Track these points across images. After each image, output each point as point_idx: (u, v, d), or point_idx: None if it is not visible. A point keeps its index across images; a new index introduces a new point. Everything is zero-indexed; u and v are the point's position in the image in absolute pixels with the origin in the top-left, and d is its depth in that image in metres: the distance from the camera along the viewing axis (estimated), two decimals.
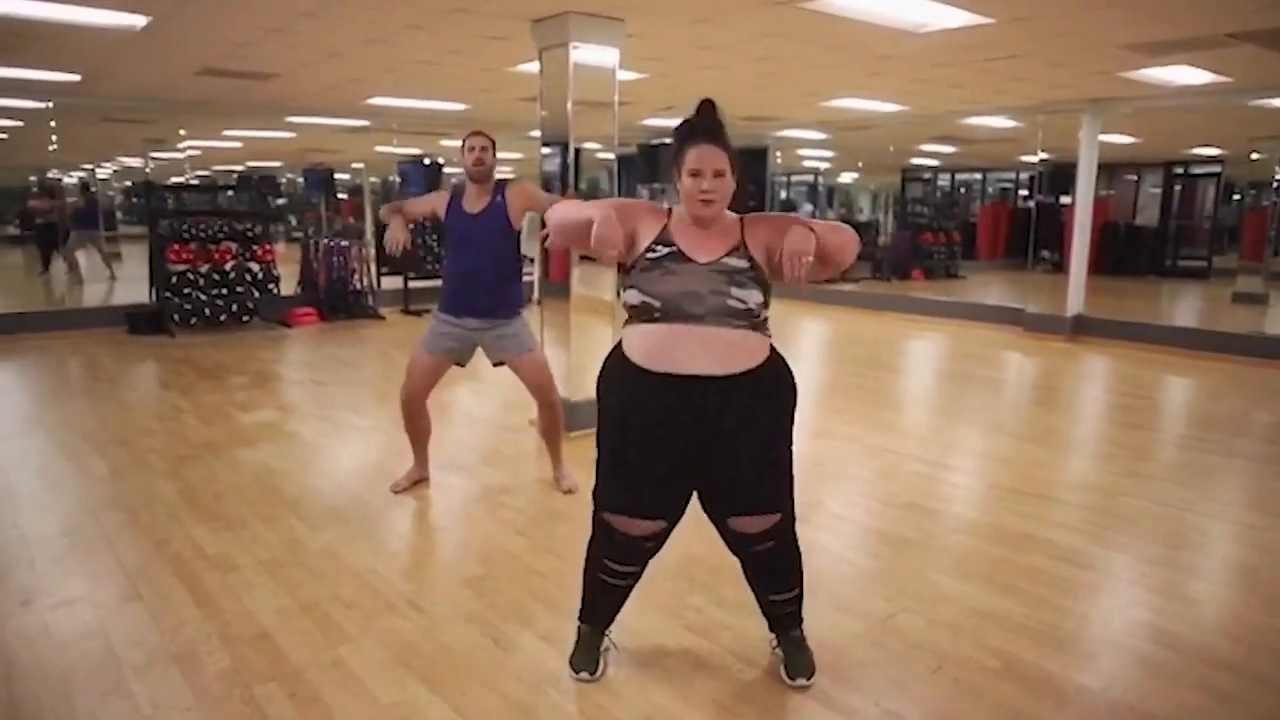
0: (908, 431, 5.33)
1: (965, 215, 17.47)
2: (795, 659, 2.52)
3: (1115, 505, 4.09)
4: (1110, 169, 15.95)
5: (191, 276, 8.48)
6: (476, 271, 3.81)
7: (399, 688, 2.52)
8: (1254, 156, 12.46)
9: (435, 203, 3.96)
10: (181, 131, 10.19)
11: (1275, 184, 10.86)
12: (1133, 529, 3.79)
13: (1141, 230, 15.68)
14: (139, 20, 5.02)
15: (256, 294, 8.85)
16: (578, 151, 5.05)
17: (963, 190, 18.25)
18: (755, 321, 2.27)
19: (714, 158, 2.20)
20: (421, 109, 9.46)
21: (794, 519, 2.45)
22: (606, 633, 2.63)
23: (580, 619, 2.62)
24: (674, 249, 2.26)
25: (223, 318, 8.61)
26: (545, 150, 5.20)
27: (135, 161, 11.04)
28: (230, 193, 10.19)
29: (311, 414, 5.71)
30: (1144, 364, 7.74)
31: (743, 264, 2.24)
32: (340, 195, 14.75)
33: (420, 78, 7.29)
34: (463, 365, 3.98)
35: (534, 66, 5.20)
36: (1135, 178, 16.21)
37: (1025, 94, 8.27)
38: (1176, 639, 2.83)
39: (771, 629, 2.60)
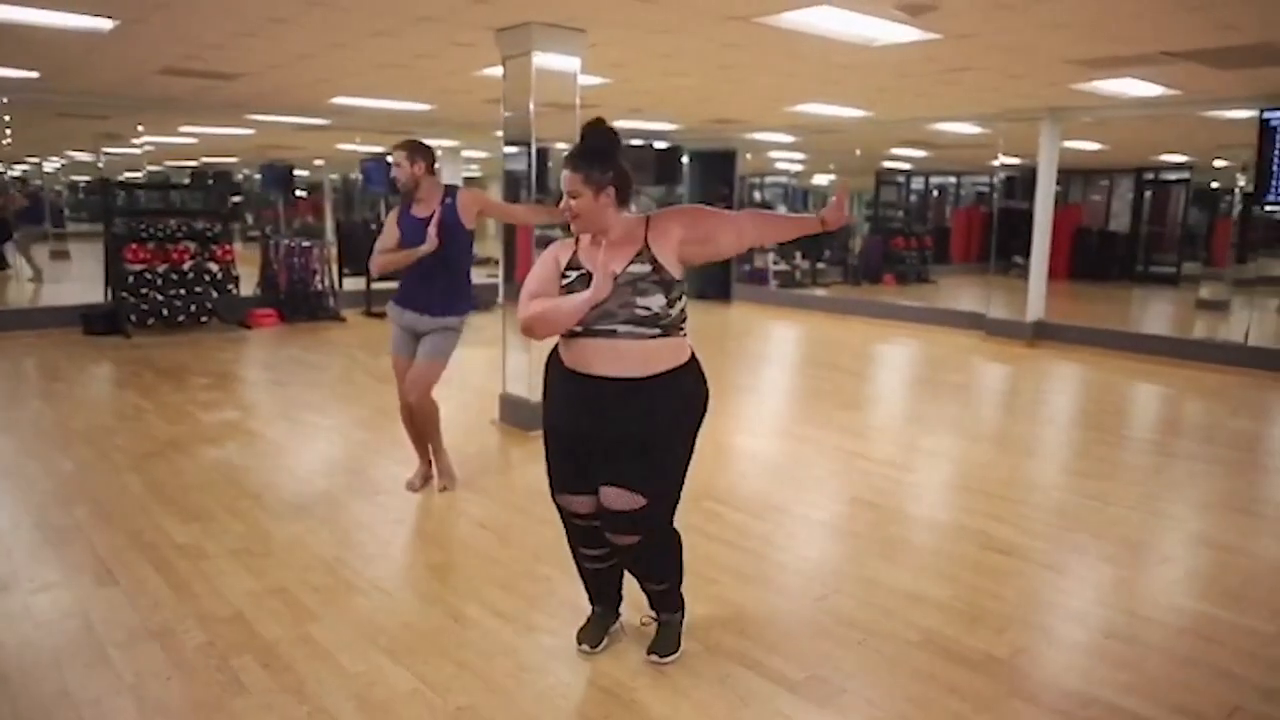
0: (861, 432, 5.57)
1: (940, 219, 17.42)
2: (658, 638, 2.73)
3: (1049, 500, 4.36)
4: (1085, 175, 15.92)
5: (149, 276, 8.37)
6: (424, 270, 3.91)
7: (365, 659, 2.69)
8: (1217, 164, 12.58)
9: (391, 222, 4.02)
10: (140, 127, 9.99)
11: (1238, 192, 10.92)
12: (1062, 521, 4.05)
13: (1114, 236, 15.70)
14: (106, 24, 5.10)
15: (215, 294, 8.76)
16: (542, 152, 5.22)
17: (936, 193, 18.17)
18: (666, 324, 2.44)
19: (569, 182, 2.44)
20: (386, 109, 9.49)
21: (669, 519, 2.58)
22: (619, 610, 2.82)
23: (590, 601, 2.81)
24: (582, 271, 2.47)
25: (180, 318, 8.52)
26: (509, 150, 5.37)
27: (86, 156, 10.64)
28: (188, 190, 9.91)
29: (274, 414, 5.84)
30: (1098, 369, 8.03)
31: (645, 269, 2.44)
32: (300, 193, 14.19)
33: (387, 80, 7.40)
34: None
35: (499, 70, 5.36)
36: (1108, 183, 16.19)
37: (989, 101, 8.49)
38: (1082, 616, 3.10)
39: (650, 606, 2.78)
